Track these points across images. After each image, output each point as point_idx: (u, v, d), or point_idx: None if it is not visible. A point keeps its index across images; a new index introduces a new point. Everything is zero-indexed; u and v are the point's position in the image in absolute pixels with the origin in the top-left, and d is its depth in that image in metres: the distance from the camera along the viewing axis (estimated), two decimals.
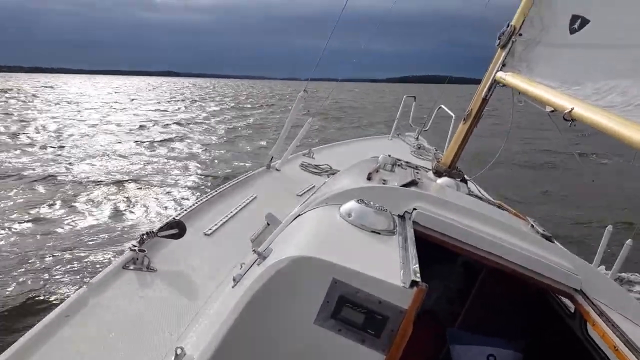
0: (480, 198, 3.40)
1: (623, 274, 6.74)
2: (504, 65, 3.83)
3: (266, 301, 1.52)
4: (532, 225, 2.89)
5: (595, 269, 2.33)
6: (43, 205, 9.36)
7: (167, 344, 1.89)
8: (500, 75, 3.77)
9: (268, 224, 2.26)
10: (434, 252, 2.12)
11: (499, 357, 2.39)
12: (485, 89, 3.97)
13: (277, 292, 1.52)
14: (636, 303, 2.11)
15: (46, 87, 71.71)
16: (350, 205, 1.98)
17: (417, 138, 7.14)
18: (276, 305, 1.52)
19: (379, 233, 1.88)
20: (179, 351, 1.62)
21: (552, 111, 2.94)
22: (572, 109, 2.62)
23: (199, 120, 27.87)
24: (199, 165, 14.17)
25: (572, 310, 2.44)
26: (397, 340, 1.48)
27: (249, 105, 44.08)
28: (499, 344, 2.43)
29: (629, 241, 3.73)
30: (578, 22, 3.33)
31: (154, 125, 24.65)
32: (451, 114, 6.40)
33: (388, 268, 1.58)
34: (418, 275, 1.52)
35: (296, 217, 2.13)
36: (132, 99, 48.06)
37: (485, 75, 4.03)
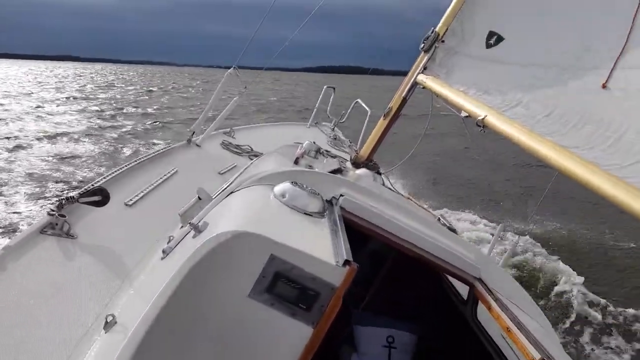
0: (392, 190, 3.64)
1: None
2: (425, 68, 4.09)
3: (204, 273, 1.55)
4: (439, 219, 3.17)
5: (492, 260, 2.61)
6: None
7: (91, 312, 1.85)
8: (421, 78, 4.02)
9: (199, 198, 2.26)
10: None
11: (397, 338, 2.59)
12: (406, 90, 4.21)
13: (215, 264, 1.55)
14: (524, 293, 2.42)
15: None
16: (284, 186, 2.05)
17: (334, 129, 7.34)
18: (213, 277, 1.55)
19: (311, 215, 1.97)
20: (109, 319, 1.59)
21: (467, 116, 3.21)
22: (485, 116, 2.90)
23: None
24: None
25: (465, 298, 2.71)
26: (326, 314, 1.58)
27: None
28: (398, 326, 2.63)
29: (516, 238, 4.18)
30: (494, 38, 3.67)
31: None
32: (367, 109, 6.65)
33: (321, 248, 1.68)
34: (350, 255, 1.64)
35: (229, 194, 2.16)
36: None
37: (406, 76, 4.27)
